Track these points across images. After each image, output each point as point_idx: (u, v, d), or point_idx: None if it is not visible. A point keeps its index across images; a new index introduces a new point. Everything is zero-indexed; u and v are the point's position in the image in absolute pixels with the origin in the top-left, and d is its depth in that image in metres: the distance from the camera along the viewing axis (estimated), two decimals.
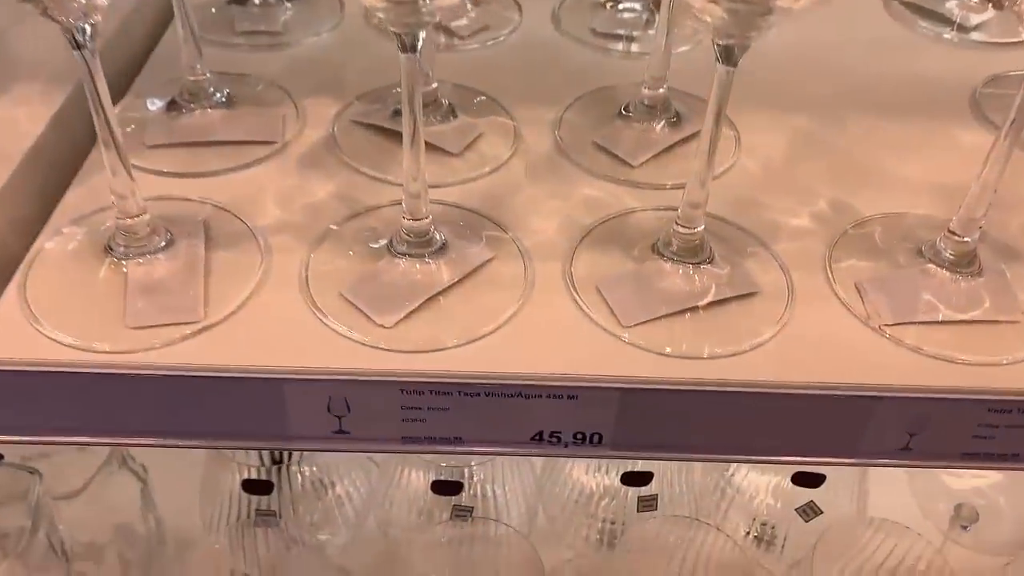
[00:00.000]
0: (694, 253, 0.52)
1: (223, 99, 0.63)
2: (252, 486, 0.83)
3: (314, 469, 0.89)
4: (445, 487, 0.83)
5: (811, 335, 0.51)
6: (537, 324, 0.51)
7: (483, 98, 0.67)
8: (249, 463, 0.87)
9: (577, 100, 0.67)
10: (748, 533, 0.92)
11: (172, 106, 0.63)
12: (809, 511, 0.88)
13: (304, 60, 0.72)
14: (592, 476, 0.90)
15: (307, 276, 0.52)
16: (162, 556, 0.89)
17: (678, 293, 0.52)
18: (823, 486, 0.86)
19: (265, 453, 0.88)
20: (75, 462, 0.89)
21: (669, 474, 0.88)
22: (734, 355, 0.50)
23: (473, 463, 0.85)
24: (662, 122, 0.63)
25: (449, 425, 0.50)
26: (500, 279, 0.53)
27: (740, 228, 0.57)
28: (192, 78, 0.62)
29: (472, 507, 0.84)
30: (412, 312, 0.50)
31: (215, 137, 0.61)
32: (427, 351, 0.49)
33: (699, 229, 0.52)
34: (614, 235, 0.56)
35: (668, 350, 0.49)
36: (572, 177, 0.61)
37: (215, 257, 0.53)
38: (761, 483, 0.92)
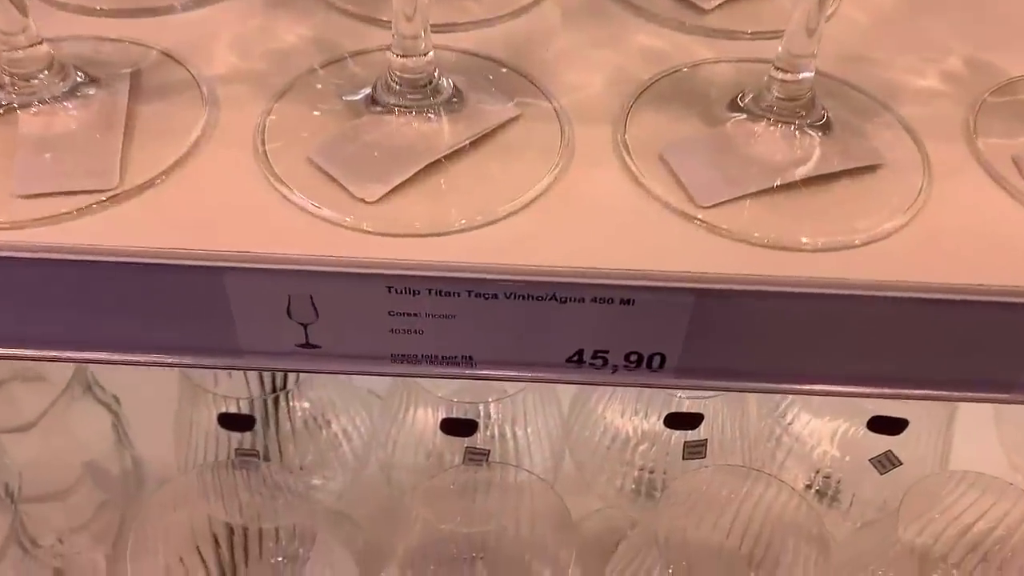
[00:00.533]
0: (798, 111, 0.38)
1: None
2: (230, 421, 0.70)
3: (306, 405, 0.76)
4: (456, 426, 0.70)
5: (955, 222, 0.37)
6: (578, 202, 0.37)
7: None
8: (234, 395, 0.74)
9: None
10: (809, 487, 0.79)
11: None
12: (886, 462, 0.74)
13: None
14: (629, 418, 0.76)
15: (263, 136, 0.38)
16: (127, 500, 0.78)
17: (774, 163, 0.37)
18: (903, 433, 0.73)
19: (253, 383, 0.76)
20: (32, 390, 0.77)
21: (720, 418, 0.75)
22: (852, 246, 0.35)
23: (489, 399, 0.72)
24: None
25: (455, 339, 0.37)
26: (528, 144, 0.39)
27: (852, 86, 0.42)
28: None
29: (488, 450, 0.71)
30: (405, 183, 0.36)
31: None
32: (424, 235, 0.35)
33: (806, 76, 0.37)
34: (682, 90, 0.41)
35: (760, 238, 0.35)
36: (622, 22, 0.46)
37: (143, 111, 0.39)
38: (824, 430, 0.79)
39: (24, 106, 0.37)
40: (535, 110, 0.40)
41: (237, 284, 0.34)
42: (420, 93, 0.38)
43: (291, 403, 0.76)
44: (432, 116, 0.38)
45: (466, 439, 0.71)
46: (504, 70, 0.42)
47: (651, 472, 0.78)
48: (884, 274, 0.34)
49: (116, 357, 0.37)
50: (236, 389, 0.78)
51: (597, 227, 0.36)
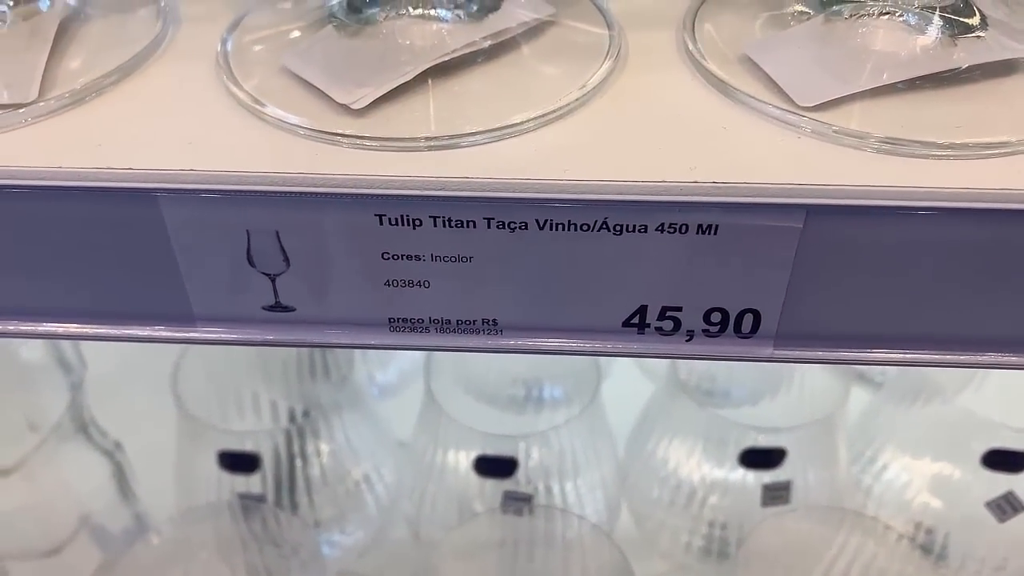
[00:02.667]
0: None
1: None
2: (232, 462, 0.60)
3: (323, 447, 0.67)
4: (493, 466, 0.60)
5: None
6: (632, 108, 0.27)
7: None
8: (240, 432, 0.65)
9: None
10: (912, 538, 0.67)
11: None
12: (1007, 506, 0.62)
13: None
14: (697, 459, 0.66)
15: (228, 47, 0.30)
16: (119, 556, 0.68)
17: (894, 54, 0.28)
18: None
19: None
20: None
21: (800, 460, 0.63)
22: (1002, 152, 0.25)
23: (529, 433, 0.61)
24: None
25: (473, 294, 0.27)
26: (567, 49, 0.30)
27: None
28: None
29: (530, 495, 0.61)
30: (403, 91, 0.27)
31: None
32: (426, 147, 0.26)
33: None
34: None
35: (883, 143, 0.25)
36: None
37: (90, 26, 0.31)
38: (920, 471, 0.67)
39: None
40: (577, 10, 0.31)
41: (177, 214, 0.25)
42: None
43: (305, 444, 0.67)
44: (440, 12, 0.29)
45: (503, 481, 0.60)
46: None
47: (723, 528, 0.67)
48: None
49: (41, 328, 0.28)
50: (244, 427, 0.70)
51: (662, 136, 0.26)
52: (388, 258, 0.26)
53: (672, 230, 0.25)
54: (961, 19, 0.29)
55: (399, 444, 0.69)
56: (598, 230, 0.25)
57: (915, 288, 0.26)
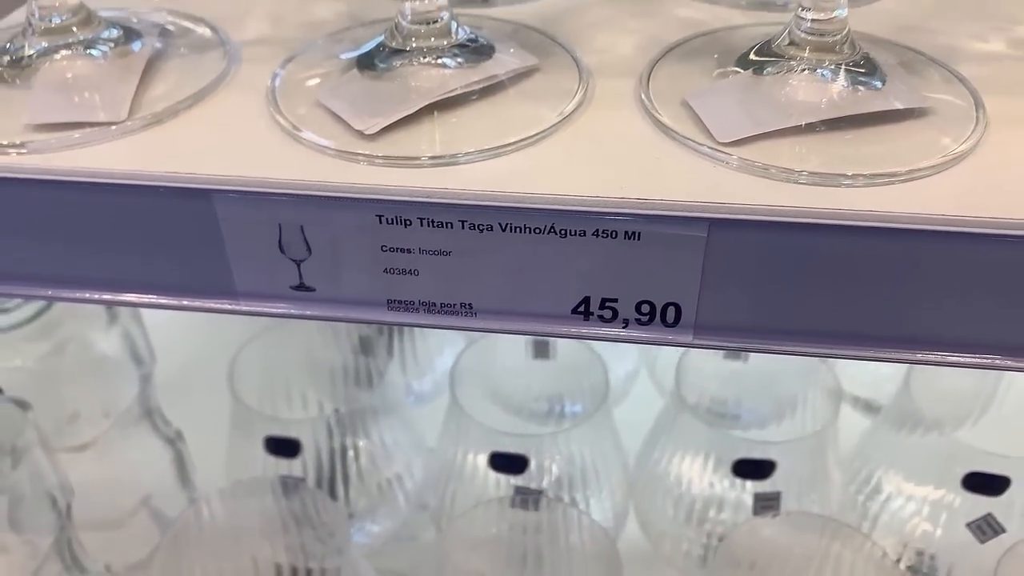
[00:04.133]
0: (832, 48, 0.35)
1: None
2: (276, 446, 0.68)
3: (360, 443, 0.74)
4: (507, 463, 0.66)
5: (1013, 163, 0.33)
6: (588, 139, 0.34)
7: None
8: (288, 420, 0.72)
9: None
10: (899, 561, 0.71)
11: None
12: (986, 528, 0.66)
13: None
14: (708, 470, 0.71)
15: (276, 83, 0.38)
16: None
17: (805, 102, 0.34)
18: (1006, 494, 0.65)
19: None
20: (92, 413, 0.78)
21: (793, 479, 0.68)
22: (890, 182, 0.32)
23: (543, 432, 0.68)
24: None
25: (453, 282, 0.34)
26: (544, 91, 0.37)
27: (904, 46, 0.39)
28: None
29: (541, 490, 0.67)
30: (410, 121, 0.35)
31: None
32: (421, 165, 0.33)
33: (839, 14, 0.35)
34: (712, 49, 0.39)
35: (782, 172, 0.32)
36: None
37: (166, 61, 0.40)
38: (915, 494, 0.71)
39: (51, 51, 0.38)
40: (556, 62, 0.39)
41: (227, 210, 0.33)
42: (430, 34, 0.37)
43: (344, 440, 0.73)
44: (444, 60, 0.37)
45: (515, 477, 0.67)
46: (529, 31, 0.41)
47: (720, 539, 0.72)
48: (933, 208, 0.30)
49: (113, 297, 0.37)
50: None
51: (606, 161, 0.33)
52: (386, 250, 0.34)
53: (605, 235, 0.32)
54: (864, 73, 0.35)
55: (428, 448, 0.75)
56: (547, 233, 0.32)
57: (803, 288, 0.32)
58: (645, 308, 0.34)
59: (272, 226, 0.34)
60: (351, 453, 0.74)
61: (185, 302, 0.36)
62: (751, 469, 0.66)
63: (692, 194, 0.31)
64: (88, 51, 0.38)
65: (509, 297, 0.34)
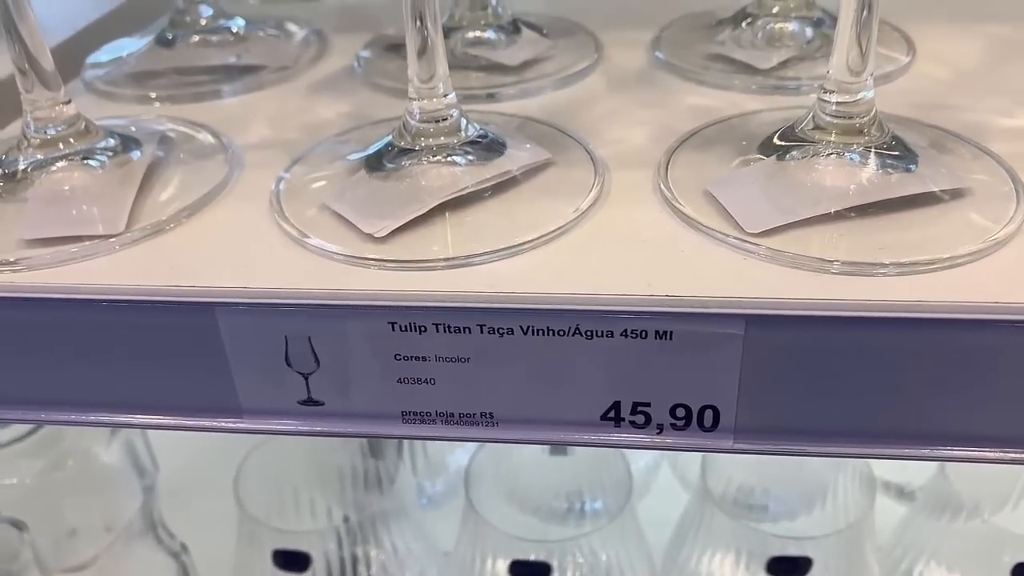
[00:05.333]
0: (859, 131, 0.33)
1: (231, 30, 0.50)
2: (286, 560, 0.65)
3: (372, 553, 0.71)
4: (527, 571, 0.63)
5: None
6: (610, 234, 0.33)
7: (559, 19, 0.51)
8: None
9: (681, 17, 0.50)
10: None
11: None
12: None
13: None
14: (740, 569, 0.67)
15: (281, 188, 0.36)
16: None
17: (834, 188, 0.33)
18: None
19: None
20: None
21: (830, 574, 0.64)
22: (931, 269, 0.30)
23: (564, 535, 0.64)
24: (795, 23, 0.45)
25: (471, 390, 0.32)
26: (559, 186, 0.36)
27: (930, 124, 0.38)
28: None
29: None
30: (420, 223, 0.33)
31: (213, 62, 0.48)
32: (433, 268, 0.31)
33: (865, 96, 0.33)
34: (729, 136, 0.38)
35: (819, 260, 0.30)
36: (673, 87, 0.44)
37: (167, 169, 0.38)
38: None
39: (46, 163, 0.37)
40: (570, 156, 0.37)
41: (230, 323, 0.31)
42: (440, 132, 0.35)
43: (356, 548, 0.70)
44: (453, 159, 0.35)
45: None
46: (539, 124, 0.40)
47: None
48: (973, 296, 0.28)
49: (113, 419, 0.34)
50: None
51: (629, 257, 0.31)
52: (400, 359, 0.31)
53: (634, 335, 0.30)
54: (895, 156, 0.34)
55: (444, 553, 0.72)
56: (572, 335, 0.30)
57: (851, 387, 0.30)
58: (680, 412, 0.31)
59: (278, 338, 0.32)
60: (362, 564, 0.71)
61: (188, 421, 0.34)
62: (787, 567, 0.62)
63: (723, 289, 0.29)
64: (85, 161, 0.37)
65: (533, 404, 0.32)
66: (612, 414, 0.32)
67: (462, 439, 0.33)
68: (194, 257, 0.33)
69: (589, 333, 0.30)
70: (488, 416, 0.33)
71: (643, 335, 0.30)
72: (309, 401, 0.33)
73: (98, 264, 0.33)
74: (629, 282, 0.30)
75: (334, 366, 0.32)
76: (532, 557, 0.63)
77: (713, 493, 0.65)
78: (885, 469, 0.76)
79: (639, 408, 0.31)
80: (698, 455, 0.69)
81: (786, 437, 0.31)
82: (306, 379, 0.32)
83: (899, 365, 0.29)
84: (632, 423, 0.32)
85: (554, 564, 0.64)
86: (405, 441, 0.80)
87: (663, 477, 0.82)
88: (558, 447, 0.76)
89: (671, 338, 0.30)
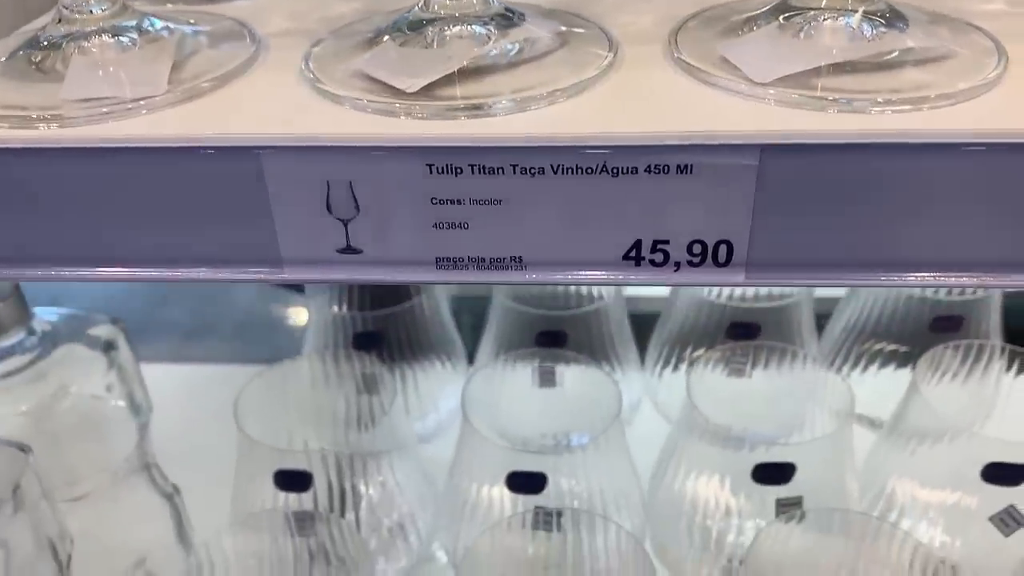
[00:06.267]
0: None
1: None
2: (287, 480, 0.66)
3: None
4: (524, 482, 0.65)
5: None
6: (630, 90, 0.35)
7: None
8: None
9: None
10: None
11: None
12: (1009, 520, 0.65)
13: None
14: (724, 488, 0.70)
15: (310, 59, 0.38)
16: None
17: (834, 45, 0.35)
18: None
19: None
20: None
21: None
22: (936, 105, 0.32)
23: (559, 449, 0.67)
24: None
25: (503, 233, 0.34)
26: (577, 54, 0.38)
27: (920, 9, 0.41)
28: None
29: (559, 510, 0.65)
30: (448, 81, 0.35)
31: None
32: (466, 116, 0.33)
33: None
34: (732, 12, 0.40)
35: (829, 100, 0.33)
36: None
37: (199, 46, 0.40)
38: (930, 502, 0.71)
39: (83, 36, 0.38)
40: (584, 34, 0.39)
41: (275, 168, 0.33)
42: (462, 5, 0.37)
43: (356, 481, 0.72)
44: (476, 28, 0.37)
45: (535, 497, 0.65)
46: (552, 10, 0.42)
47: (741, 563, 0.71)
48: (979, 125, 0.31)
49: (154, 273, 0.36)
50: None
51: (650, 105, 0.34)
52: (436, 203, 0.33)
53: (657, 170, 0.32)
54: (889, 20, 0.36)
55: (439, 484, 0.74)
56: (599, 173, 0.32)
57: (857, 216, 0.33)
58: (697, 248, 0.34)
59: (320, 184, 0.33)
60: (362, 490, 0.72)
61: (231, 274, 0.36)
62: (772, 473, 0.65)
63: (739, 125, 0.32)
64: (119, 38, 0.38)
65: (559, 247, 0.34)
66: (633, 253, 0.34)
67: (493, 283, 0.35)
68: (235, 113, 0.35)
69: (615, 171, 0.32)
70: (518, 260, 0.35)
71: (665, 170, 0.32)
72: (348, 249, 0.35)
73: (140, 121, 0.35)
74: (651, 124, 0.32)
75: (373, 212, 0.34)
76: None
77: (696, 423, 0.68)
78: (862, 403, 0.79)
79: (658, 246, 0.34)
80: (680, 393, 0.71)
81: (795, 270, 0.34)
82: (345, 226, 0.34)
83: (909, 194, 0.32)
84: (651, 262, 0.34)
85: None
86: (398, 377, 0.82)
87: (646, 411, 0.85)
88: (547, 376, 0.78)
89: (691, 172, 0.32)
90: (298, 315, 1.06)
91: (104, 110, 0.34)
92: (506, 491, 0.68)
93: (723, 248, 0.34)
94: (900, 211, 0.32)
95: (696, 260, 0.34)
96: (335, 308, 0.82)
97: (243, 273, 0.36)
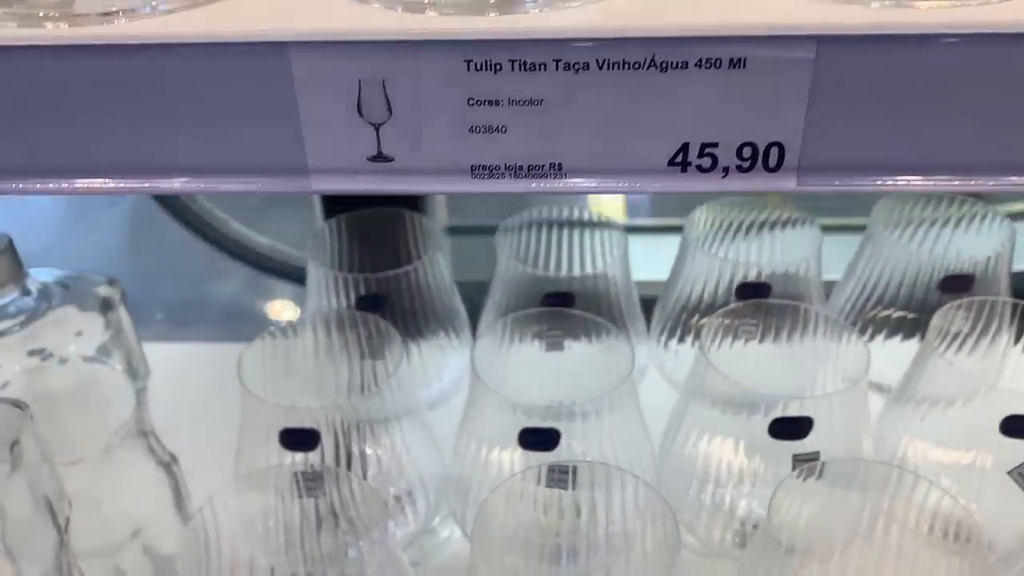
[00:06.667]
0: None
1: None
2: (293, 439, 0.64)
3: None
4: (537, 438, 0.64)
5: None
6: None
7: None
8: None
9: None
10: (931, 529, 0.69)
11: None
12: None
13: None
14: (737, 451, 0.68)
15: None
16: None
17: None
18: None
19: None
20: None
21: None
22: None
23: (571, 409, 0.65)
24: None
25: (542, 137, 0.33)
26: None
27: None
28: None
29: (574, 466, 0.64)
30: None
31: None
32: (498, 9, 0.32)
33: None
34: None
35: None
36: None
37: None
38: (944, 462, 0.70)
39: None
40: None
41: (305, 66, 0.31)
42: None
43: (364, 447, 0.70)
44: None
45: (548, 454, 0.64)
46: None
47: (755, 526, 0.70)
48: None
49: (178, 183, 0.34)
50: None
51: (694, 5, 0.32)
52: (472, 104, 0.32)
53: (708, 65, 0.31)
54: None
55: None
56: (647, 68, 0.31)
57: (919, 118, 0.31)
58: (746, 152, 0.32)
59: (351, 84, 0.32)
60: (369, 444, 0.70)
61: (257, 184, 0.34)
62: (789, 428, 0.64)
63: (797, 18, 0.30)
64: None
65: (601, 152, 0.33)
66: (680, 158, 0.33)
67: (530, 192, 0.33)
68: (258, 12, 0.33)
69: (664, 65, 0.31)
70: (557, 167, 0.33)
71: (717, 64, 0.31)
72: (379, 156, 0.33)
73: (158, 20, 0.33)
74: (701, 16, 0.31)
75: (405, 117, 0.32)
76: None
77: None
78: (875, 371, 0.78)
79: (706, 150, 0.32)
80: (686, 362, 0.70)
81: (848, 174, 0.32)
82: (377, 131, 0.33)
83: (968, 93, 0.31)
84: (699, 167, 0.33)
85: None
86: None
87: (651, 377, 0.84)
88: (555, 342, 0.77)
89: (744, 66, 0.31)
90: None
91: (117, 8, 0.32)
92: (516, 453, 0.67)
93: (774, 151, 0.32)
94: (963, 111, 0.31)
95: (746, 165, 0.32)
96: (335, 270, 0.80)
97: (271, 183, 0.34)
